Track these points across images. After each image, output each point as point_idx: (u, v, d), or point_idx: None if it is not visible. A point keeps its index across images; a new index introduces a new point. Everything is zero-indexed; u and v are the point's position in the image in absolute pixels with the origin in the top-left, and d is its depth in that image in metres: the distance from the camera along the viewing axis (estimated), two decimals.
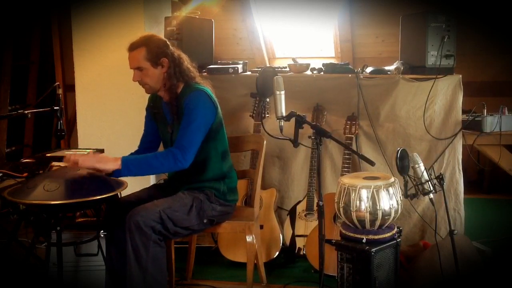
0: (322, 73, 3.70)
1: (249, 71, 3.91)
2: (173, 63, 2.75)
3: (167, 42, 2.80)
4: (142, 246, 2.54)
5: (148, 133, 3.01)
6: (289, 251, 3.55)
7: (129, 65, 2.75)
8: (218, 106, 2.82)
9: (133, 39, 2.75)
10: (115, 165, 2.54)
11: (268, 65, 5.36)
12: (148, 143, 3.01)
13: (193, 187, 2.82)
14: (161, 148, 3.03)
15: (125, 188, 2.58)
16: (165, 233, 2.62)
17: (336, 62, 4.62)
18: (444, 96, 3.51)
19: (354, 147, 3.56)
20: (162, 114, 2.88)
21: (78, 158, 2.52)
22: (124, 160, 2.58)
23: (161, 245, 2.61)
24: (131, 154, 2.95)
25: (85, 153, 2.68)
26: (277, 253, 3.52)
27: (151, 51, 2.70)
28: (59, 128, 2.86)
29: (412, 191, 2.71)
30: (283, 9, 5.16)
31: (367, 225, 2.60)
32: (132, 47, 2.72)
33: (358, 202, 2.58)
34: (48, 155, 3.07)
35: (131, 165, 2.57)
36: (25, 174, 2.77)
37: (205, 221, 2.78)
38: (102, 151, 3.10)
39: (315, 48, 5.51)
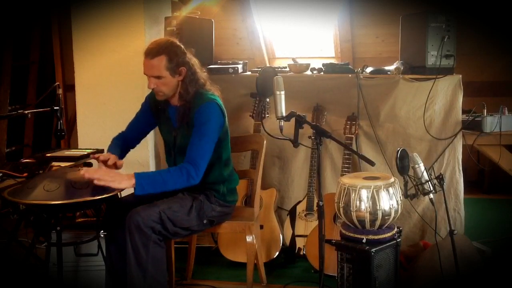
0: (322, 73, 3.70)
1: (249, 71, 3.91)
2: (189, 71, 2.70)
3: (185, 49, 2.72)
4: (142, 247, 2.54)
5: (141, 122, 2.94)
6: (289, 251, 3.55)
7: (144, 71, 2.66)
8: (226, 115, 2.79)
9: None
10: (129, 184, 2.47)
11: (268, 65, 5.36)
12: (137, 132, 2.95)
13: (193, 188, 2.82)
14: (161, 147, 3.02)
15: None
16: (165, 234, 2.62)
17: (336, 62, 4.63)
18: (444, 96, 3.51)
19: (354, 147, 3.56)
20: (167, 116, 2.84)
21: (92, 175, 2.43)
22: (138, 178, 2.48)
23: (161, 245, 2.61)
24: (118, 135, 2.93)
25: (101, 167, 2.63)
26: (277, 253, 3.52)
27: (172, 60, 2.63)
28: (59, 128, 2.86)
29: (412, 191, 2.70)
30: (283, 9, 5.16)
31: (367, 225, 2.60)
32: (152, 54, 2.62)
33: (358, 202, 2.58)
34: (48, 155, 3.06)
35: (145, 184, 2.49)
36: (25, 174, 2.77)
37: (205, 221, 2.78)
38: (101, 151, 3.10)
39: (315, 48, 5.51)
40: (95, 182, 2.42)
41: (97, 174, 2.45)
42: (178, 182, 2.57)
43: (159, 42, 2.69)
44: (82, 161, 3.01)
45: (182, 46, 2.73)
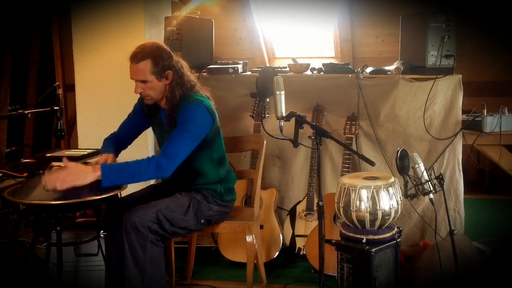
0: (322, 73, 3.70)
1: (249, 71, 3.91)
2: (176, 74, 2.68)
3: (171, 52, 2.70)
4: (139, 247, 2.54)
5: (133, 123, 2.93)
6: (289, 251, 3.55)
7: (131, 76, 2.64)
8: (216, 115, 2.77)
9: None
10: (94, 176, 2.43)
11: (268, 65, 5.36)
12: (129, 133, 2.94)
13: (191, 188, 2.82)
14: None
15: (125, 188, 2.58)
16: (162, 233, 2.62)
17: (336, 62, 4.63)
18: (444, 96, 3.51)
19: (354, 147, 3.56)
20: (158, 119, 2.83)
21: (54, 182, 2.36)
22: (104, 170, 2.44)
23: (159, 245, 2.61)
24: (110, 136, 2.93)
25: (61, 165, 2.52)
26: (277, 253, 3.52)
27: (157, 64, 2.60)
28: (59, 128, 2.86)
29: (412, 191, 2.70)
30: (283, 9, 5.16)
31: (367, 225, 2.60)
32: (137, 59, 2.59)
33: (358, 202, 2.58)
34: (48, 155, 3.07)
35: (111, 176, 2.45)
36: (25, 174, 2.77)
37: (202, 221, 2.78)
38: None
39: (315, 48, 5.51)
40: (57, 189, 2.37)
41: (58, 181, 2.37)
42: (146, 173, 2.52)
43: (144, 46, 2.65)
44: (82, 161, 3.01)
45: (168, 49, 2.70)
